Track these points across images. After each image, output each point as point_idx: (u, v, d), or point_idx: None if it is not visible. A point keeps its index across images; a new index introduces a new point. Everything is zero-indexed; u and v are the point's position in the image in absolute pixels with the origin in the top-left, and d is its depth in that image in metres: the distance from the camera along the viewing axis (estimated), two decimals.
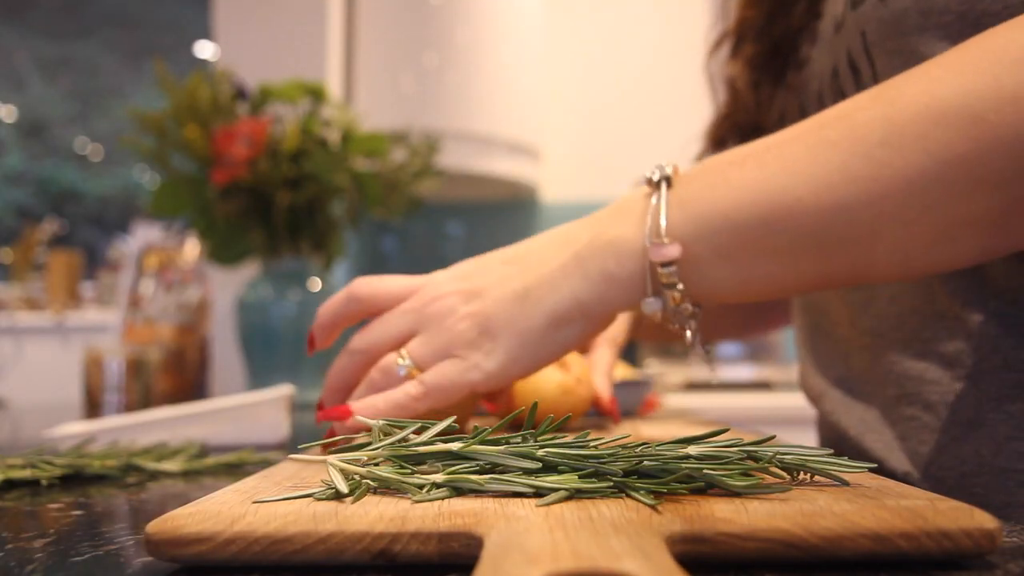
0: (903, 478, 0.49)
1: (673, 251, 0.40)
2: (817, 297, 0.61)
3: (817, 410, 0.62)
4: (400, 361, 0.45)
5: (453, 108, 1.78)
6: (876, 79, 0.48)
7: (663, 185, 0.41)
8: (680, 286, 0.40)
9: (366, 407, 0.44)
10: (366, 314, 0.49)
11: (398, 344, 0.46)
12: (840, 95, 0.53)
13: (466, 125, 1.78)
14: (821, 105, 0.56)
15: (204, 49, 4.88)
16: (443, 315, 0.44)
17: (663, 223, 0.40)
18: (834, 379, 0.58)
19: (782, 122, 0.63)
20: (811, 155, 0.38)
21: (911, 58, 0.44)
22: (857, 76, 0.50)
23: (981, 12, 0.42)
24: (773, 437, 0.33)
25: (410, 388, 0.44)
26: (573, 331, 0.43)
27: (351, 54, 1.89)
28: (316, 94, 1.18)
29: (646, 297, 0.42)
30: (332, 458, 0.31)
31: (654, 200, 0.41)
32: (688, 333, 0.43)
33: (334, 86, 1.75)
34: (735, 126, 0.67)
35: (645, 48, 2.17)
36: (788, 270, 0.40)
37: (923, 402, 0.48)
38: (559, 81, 2.15)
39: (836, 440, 0.57)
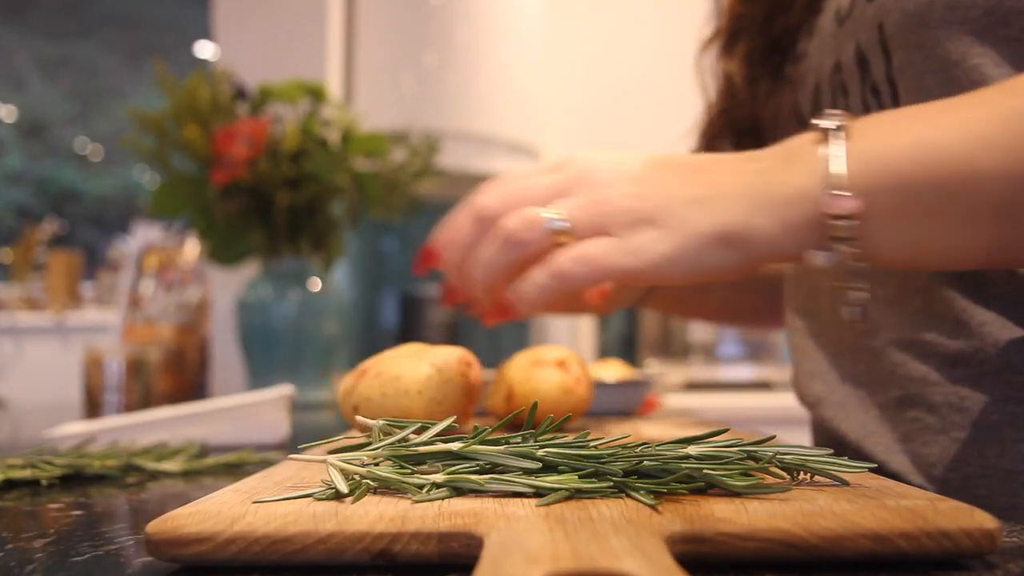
0: (905, 481, 0.49)
1: (852, 203, 0.37)
2: (812, 301, 0.60)
3: (813, 415, 0.61)
4: (551, 216, 0.40)
5: (453, 108, 1.78)
6: (891, 73, 0.48)
7: (839, 134, 0.39)
8: (855, 241, 0.38)
9: (531, 289, 0.40)
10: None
11: (543, 203, 0.41)
12: (841, 90, 0.53)
13: (466, 125, 1.78)
14: (817, 100, 0.56)
15: (204, 49, 4.88)
16: (603, 185, 0.40)
17: (842, 172, 0.38)
18: (831, 383, 0.58)
19: (777, 118, 0.62)
20: (1000, 123, 0.36)
21: (933, 52, 0.44)
22: (865, 70, 0.50)
23: (1009, 8, 0.42)
24: (773, 437, 0.33)
25: (573, 256, 0.39)
26: (733, 257, 0.40)
27: (351, 54, 1.89)
28: (316, 94, 1.18)
29: (813, 249, 0.39)
30: (332, 458, 0.31)
31: (828, 148, 0.39)
32: (854, 293, 0.40)
33: (334, 86, 1.75)
34: (731, 122, 0.67)
35: (645, 48, 2.17)
36: (963, 236, 0.38)
37: (926, 404, 0.48)
38: (559, 81, 2.15)
39: (835, 445, 0.57)
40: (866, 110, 0.50)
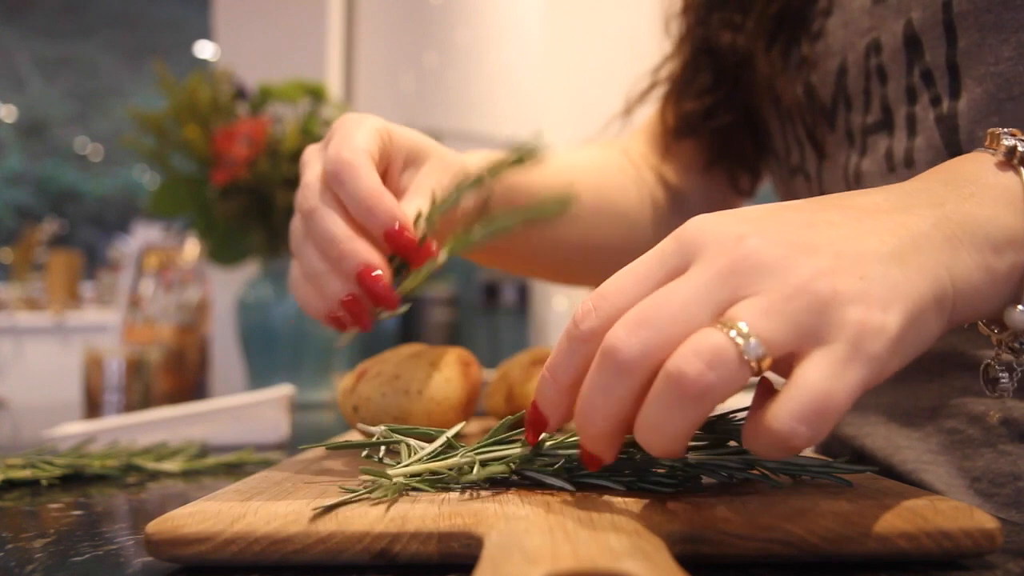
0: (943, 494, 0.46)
1: None
2: None
3: (832, 434, 0.58)
4: (739, 340, 0.25)
5: (453, 108, 1.78)
6: (954, 57, 0.44)
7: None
8: None
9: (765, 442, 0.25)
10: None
11: (702, 320, 0.26)
12: (878, 74, 0.48)
13: (466, 125, 1.78)
14: (842, 84, 0.51)
15: (204, 49, 4.88)
16: (774, 266, 0.26)
17: None
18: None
19: (778, 103, 0.58)
20: None
21: (1014, 34, 0.41)
22: (916, 53, 0.45)
23: None
24: None
25: (798, 413, 0.24)
26: (935, 327, 0.29)
27: (351, 54, 1.89)
28: (316, 94, 1.18)
29: (1017, 304, 0.31)
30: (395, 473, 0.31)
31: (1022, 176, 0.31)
32: (1013, 357, 0.33)
33: (334, 86, 1.75)
34: (729, 99, 0.63)
35: (645, 48, 2.17)
36: None
37: (967, 415, 0.46)
38: (559, 81, 2.15)
39: (859, 463, 0.53)
40: (912, 97, 0.46)
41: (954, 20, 0.43)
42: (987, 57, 0.42)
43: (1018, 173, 0.31)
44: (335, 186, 0.40)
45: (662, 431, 0.26)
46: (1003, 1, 0.41)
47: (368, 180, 0.39)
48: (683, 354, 0.25)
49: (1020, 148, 0.31)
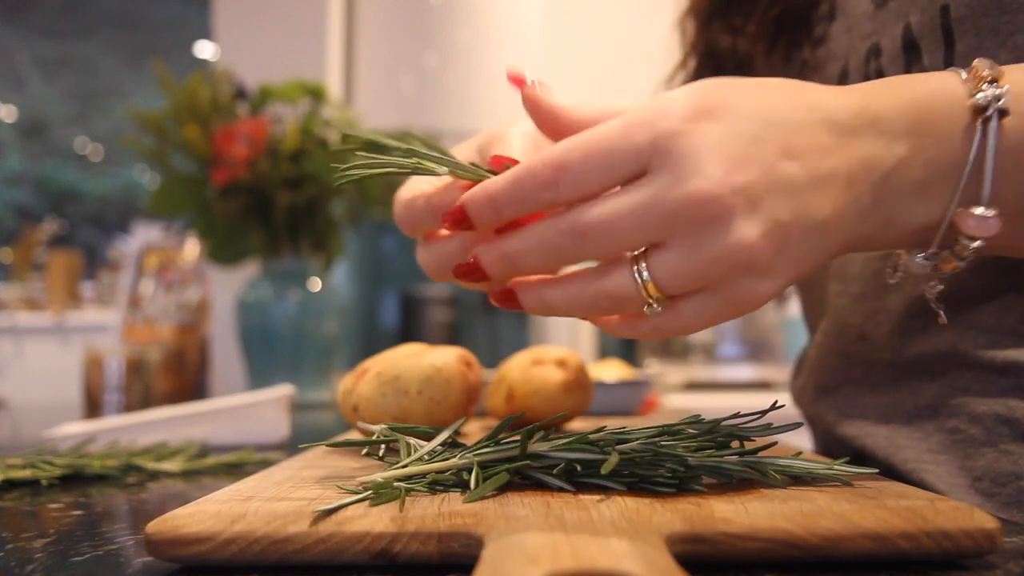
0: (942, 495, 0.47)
1: (992, 227, 0.32)
2: (843, 314, 0.56)
3: (827, 432, 0.58)
4: (648, 297, 0.32)
5: (453, 108, 1.78)
6: (952, 61, 0.44)
7: (993, 122, 0.31)
8: (969, 256, 0.33)
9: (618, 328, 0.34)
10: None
11: (631, 242, 0.31)
12: (878, 76, 0.48)
13: (466, 125, 1.78)
14: (842, 85, 0.52)
15: (204, 49, 4.88)
16: (713, 227, 0.30)
17: (987, 190, 0.32)
18: (850, 397, 0.55)
19: None
20: None
21: (1010, 37, 0.41)
22: (914, 56, 0.46)
23: None
24: (775, 444, 0.33)
25: (665, 325, 0.33)
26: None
27: (351, 54, 1.89)
28: (316, 94, 1.18)
29: (918, 252, 0.34)
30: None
31: (977, 145, 0.31)
32: (932, 289, 0.37)
33: (334, 86, 1.75)
34: None
35: (645, 48, 2.17)
36: None
37: (968, 414, 0.46)
38: (559, 81, 2.15)
39: (859, 462, 0.53)
40: None
41: (952, 25, 0.44)
42: (978, 56, 0.42)
43: (979, 135, 0.31)
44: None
45: (565, 298, 0.33)
46: (999, 6, 0.41)
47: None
48: (609, 276, 0.32)
49: (985, 105, 0.31)
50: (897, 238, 0.34)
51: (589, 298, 0.33)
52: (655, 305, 0.32)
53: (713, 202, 0.29)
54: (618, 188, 0.31)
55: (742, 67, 0.60)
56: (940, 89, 0.33)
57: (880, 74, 0.48)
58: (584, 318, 0.35)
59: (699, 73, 0.66)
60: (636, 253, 0.31)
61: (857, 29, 0.51)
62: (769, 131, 0.30)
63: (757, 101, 0.31)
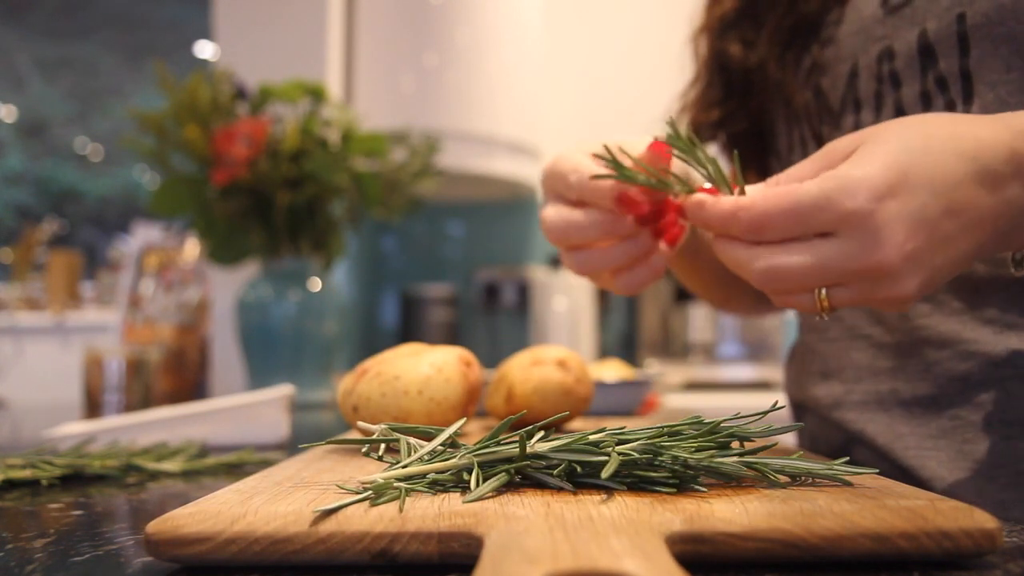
0: (940, 479, 0.48)
1: None
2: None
3: (823, 417, 0.59)
4: (817, 294, 0.39)
5: (453, 108, 1.78)
6: (967, 66, 0.46)
7: None
8: None
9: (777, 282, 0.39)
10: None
11: (819, 281, 0.38)
12: (891, 79, 0.51)
13: (466, 125, 1.78)
14: (853, 87, 0.54)
15: (204, 49, 4.88)
16: (885, 281, 0.37)
17: None
18: (848, 383, 0.56)
19: (788, 105, 0.60)
20: None
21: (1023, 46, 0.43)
22: (930, 60, 0.48)
23: None
24: (775, 444, 0.33)
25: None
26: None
27: (351, 54, 1.89)
28: (316, 94, 1.18)
29: None
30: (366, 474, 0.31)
31: None
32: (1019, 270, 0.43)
33: (334, 86, 1.75)
34: (741, 108, 0.65)
35: (645, 48, 2.17)
36: None
37: (968, 402, 0.48)
38: (559, 81, 2.15)
39: (857, 447, 0.55)
40: (927, 102, 0.49)
41: (967, 31, 0.46)
42: (999, 65, 0.45)
43: None
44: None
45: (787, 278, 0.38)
46: (1015, 14, 0.44)
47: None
48: (798, 295, 0.39)
49: None
50: (1018, 248, 0.41)
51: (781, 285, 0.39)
52: (823, 314, 0.39)
53: (890, 268, 0.36)
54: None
55: (752, 75, 0.62)
56: None
57: (894, 75, 0.50)
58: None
59: (711, 86, 0.67)
60: None
61: (866, 32, 0.53)
62: (935, 198, 0.36)
63: (928, 169, 0.37)
